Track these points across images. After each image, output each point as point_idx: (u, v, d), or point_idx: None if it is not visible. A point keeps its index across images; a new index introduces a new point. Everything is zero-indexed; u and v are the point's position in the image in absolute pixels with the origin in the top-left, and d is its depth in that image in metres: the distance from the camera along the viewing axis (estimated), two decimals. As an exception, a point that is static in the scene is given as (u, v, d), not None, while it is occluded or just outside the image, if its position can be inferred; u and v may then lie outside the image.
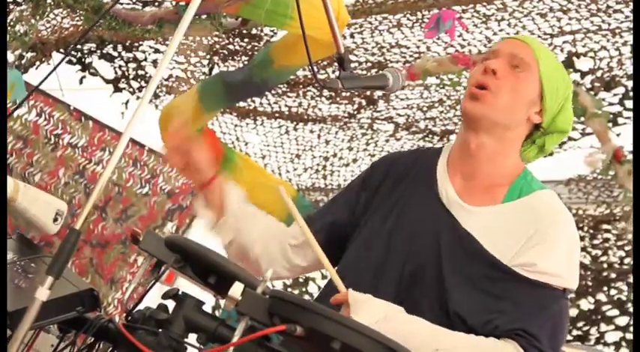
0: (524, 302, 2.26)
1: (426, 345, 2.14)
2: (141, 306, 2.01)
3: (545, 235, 2.32)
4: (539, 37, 5.53)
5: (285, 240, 2.56)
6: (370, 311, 2.15)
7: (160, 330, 1.92)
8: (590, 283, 6.77)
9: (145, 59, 5.99)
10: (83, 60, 5.99)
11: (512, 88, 2.38)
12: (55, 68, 2.46)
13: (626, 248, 6.56)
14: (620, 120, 5.66)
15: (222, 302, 1.91)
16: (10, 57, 4.83)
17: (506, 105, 2.37)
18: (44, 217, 2.25)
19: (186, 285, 2.12)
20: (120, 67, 6.05)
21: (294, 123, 6.48)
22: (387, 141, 6.59)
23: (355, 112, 6.28)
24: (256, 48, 5.58)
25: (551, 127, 2.44)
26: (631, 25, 5.08)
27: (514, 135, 2.41)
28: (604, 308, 6.72)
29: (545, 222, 2.33)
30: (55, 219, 2.27)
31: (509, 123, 2.39)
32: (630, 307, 6.56)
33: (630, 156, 5.02)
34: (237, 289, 1.83)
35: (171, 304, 1.95)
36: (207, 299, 2.10)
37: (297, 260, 2.54)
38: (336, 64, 2.43)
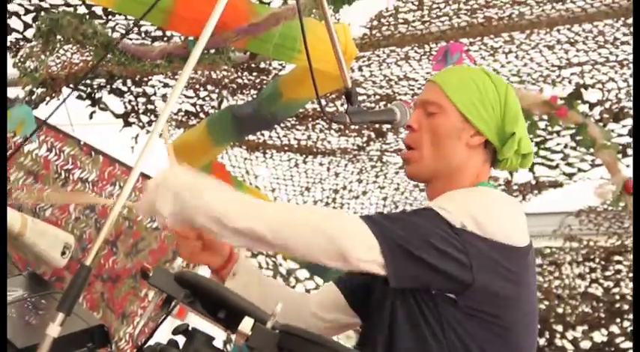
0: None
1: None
2: (152, 342, 2.01)
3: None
4: (546, 69, 5.55)
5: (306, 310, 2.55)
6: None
7: (171, 366, 1.92)
8: (602, 315, 6.74)
9: (155, 94, 6.01)
10: (93, 95, 6.01)
11: (432, 133, 2.41)
12: (63, 101, 2.48)
13: None
14: (629, 151, 5.65)
15: (232, 336, 1.91)
16: (21, 93, 4.85)
17: (434, 152, 2.41)
18: (52, 251, 2.26)
19: (198, 321, 2.12)
20: (129, 101, 6.07)
21: (304, 156, 6.49)
22: (396, 173, 6.59)
23: (364, 145, 6.29)
24: (265, 81, 5.61)
25: (504, 136, 2.42)
26: None
27: (462, 166, 2.42)
28: (617, 340, 6.68)
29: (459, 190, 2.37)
30: (63, 253, 2.28)
31: (448, 162, 2.41)
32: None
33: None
34: (246, 324, 1.84)
35: (181, 339, 1.95)
36: (219, 334, 2.10)
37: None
38: (344, 97, 2.44)
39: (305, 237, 2.18)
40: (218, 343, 2.00)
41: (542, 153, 5.96)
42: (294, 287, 7.39)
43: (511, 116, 2.42)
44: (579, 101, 5.51)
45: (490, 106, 2.41)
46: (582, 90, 5.62)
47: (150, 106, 6.11)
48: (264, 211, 2.20)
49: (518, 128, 2.42)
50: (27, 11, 5.21)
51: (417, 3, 5.10)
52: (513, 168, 2.50)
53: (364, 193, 6.89)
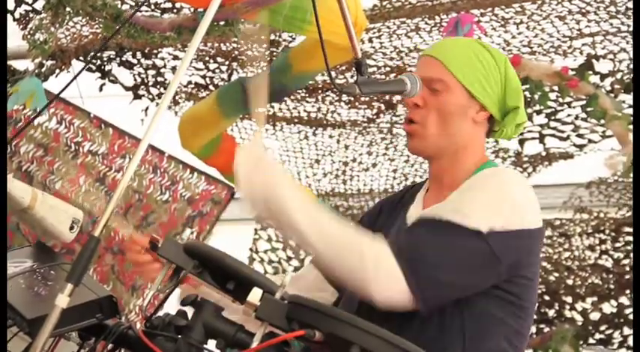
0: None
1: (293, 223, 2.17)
2: (161, 313, 2.02)
3: (462, 188, 2.33)
4: (557, 39, 5.52)
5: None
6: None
7: (180, 336, 1.93)
8: (612, 286, 6.74)
9: (164, 66, 6.00)
10: (103, 67, 6.01)
11: (439, 112, 2.39)
12: (74, 78, 2.47)
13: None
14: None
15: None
16: (30, 65, 4.85)
17: (440, 130, 2.39)
18: (61, 225, 2.26)
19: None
20: (139, 74, 6.06)
21: (314, 128, 6.48)
22: (406, 145, 6.58)
23: (374, 117, 6.28)
24: (275, 53, 5.59)
25: (505, 109, 2.42)
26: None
27: (468, 143, 2.41)
28: (627, 311, 6.68)
29: (473, 185, 2.34)
30: (72, 227, 2.28)
31: (454, 140, 2.40)
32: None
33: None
34: (255, 295, 1.84)
35: (190, 310, 1.96)
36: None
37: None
38: (354, 68, 2.43)
39: (346, 273, 2.20)
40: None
41: (552, 124, 5.95)
42: (303, 259, 7.42)
43: (513, 89, 2.41)
44: (590, 72, 5.48)
45: (492, 81, 2.40)
46: (593, 61, 5.59)
47: (159, 79, 6.10)
48: (328, 238, 2.20)
49: (520, 101, 2.42)
50: (36, -17, 5.21)
51: (427, -26, 5.08)
52: (507, 137, 2.49)
53: (374, 165, 6.88)
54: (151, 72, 6.05)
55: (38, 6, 5.20)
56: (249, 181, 2.20)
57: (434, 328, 2.25)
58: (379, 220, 2.51)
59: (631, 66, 5.61)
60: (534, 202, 2.34)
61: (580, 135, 6.04)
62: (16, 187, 2.24)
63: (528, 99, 5.58)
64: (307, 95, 6.05)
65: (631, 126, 5.20)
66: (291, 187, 2.22)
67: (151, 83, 6.10)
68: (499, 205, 2.26)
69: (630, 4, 5.21)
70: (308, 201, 2.24)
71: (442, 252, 2.21)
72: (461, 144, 2.40)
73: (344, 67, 5.57)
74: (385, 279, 2.17)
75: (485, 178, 2.35)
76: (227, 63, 5.87)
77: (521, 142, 6.15)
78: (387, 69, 5.71)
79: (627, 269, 6.70)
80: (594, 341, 6.74)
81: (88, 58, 5.35)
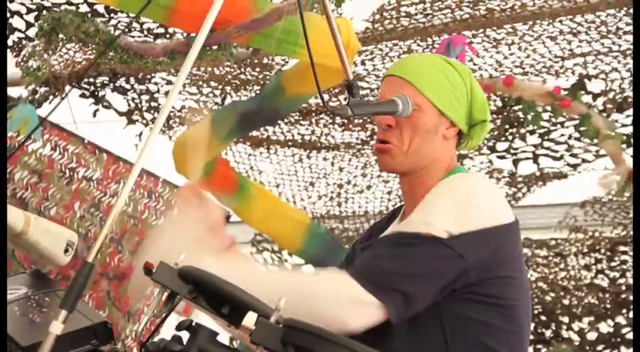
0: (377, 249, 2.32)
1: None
2: (156, 338, 2.01)
3: (426, 198, 2.35)
4: (549, 59, 5.54)
5: None
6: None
7: (175, 362, 1.92)
8: (608, 306, 6.73)
9: (158, 91, 6.01)
10: (96, 93, 6.01)
11: (412, 132, 2.41)
12: (63, 98, 2.47)
13: (645, 269, 6.52)
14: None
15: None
16: (24, 92, 4.85)
17: (414, 149, 2.42)
18: (55, 248, 2.26)
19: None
20: (133, 99, 6.07)
21: (308, 151, 6.48)
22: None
23: (368, 139, 6.28)
24: (268, 77, 5.60)
25: (472, 122, 2.46)
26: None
27: (438, 157, 2.44)
28: (623, 331, 6.67)
29: (432, 193, 2.36)
30: (66, 250, 2.28)
31: (426, 156, 2.43)
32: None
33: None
34: (250, 319, 1.84)
35: (185, 335, 1.95)
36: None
37: None
38: (346, 90, 2.44)
39: (315, 316, 2.10)
40: (224, 339, 2.01)
41: (546, 144, 5.96)
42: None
43: (479, 102, 2.45)
44: (583, 92, 5.50)
45: (460, 96, 2.44)
46: (585, 80, 5.61)
47: (153, 104, 6.11)
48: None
49: (487, 115, 2.46)
50: (29, 10, 5.21)
51: (418, -4, 5.09)
52: (472, 148, 2.53)
53: (368, 187, 6.88)
54: (145, 97, 6.05)
55: (31, 33, 5.21)
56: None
57: (418, 338, 2.28)
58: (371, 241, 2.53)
59: (623, 85, 5.63)
60: (496, 199, 2.37)
61: (574, 155, 6.06)
62: (9, 212, 2.24)
63: (521, 120, 5.60)
64: (301, 118, 6.06)
65: (624, 146, 5.21)
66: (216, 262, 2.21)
67: (144, 108, 6.10)
68: (455, 207, 2.29)
69: (621, 24, 5.24)
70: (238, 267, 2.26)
71: (403, 264, 2.24)
72: (432, 159, 2.43)
73: (337, 90, 5.58)
74: (354, 309, 2.21)
75: (444, 184, 2.38)
76: (220, 87, 5.88)
77: (515, 163, 6.16)
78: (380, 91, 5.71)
79: (623, 288, 6.70)
80: (591, 361, 6.73)
81: (79, 81, 5.35)
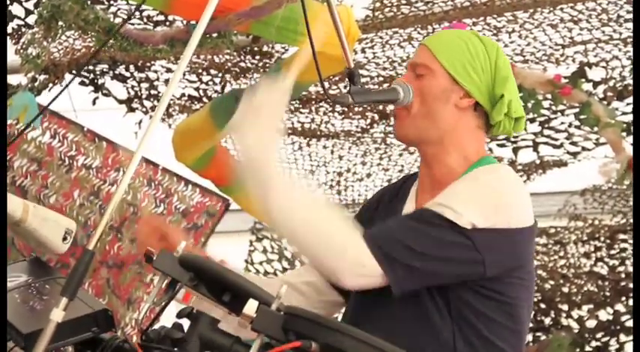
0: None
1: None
2: (157, 326, 2.01)
3: (456, 185, 2.34)
4: (550, 47, 5.54)
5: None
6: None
7: (176, 349, 1.92)
8: (608, 293, 6.74)
9: (158, 79, 6.00)
10: (96, 81, 6.00)
11: (420, 96, 2.40)
12: (65, 87, 2.47)
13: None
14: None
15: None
16: (23, 80, 4.84)
17: (422, 114, 2.39)
18: (53, 237, 2.26)
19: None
20: (132, 87, 6.06)
21: (307, 139, 6.48)
22: (400, 155, 6.59)
23: (368, 127, 6.28)
24: (268, 65, 5.59)
25: (494, 99, 2.41)
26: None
27: (453, 130, 2.41)
28: (623, 318, 6.68)
29: (463, 180, 2.36)
30: (65, 238, 2.27)
31: (437, 125, 2.40)
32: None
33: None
34: (251, 306, 1.84)
35: (186, 323, 1.96)
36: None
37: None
38: (347, 78, 2.43)
39: (312, 250, 2.27)
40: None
41: (546, 132, 5.96)
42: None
43: (500, 77, 2.41)
44: (583, 80, 5.49)
45: (480, 68, 2.40)
46: (586, 68, 5.61)
47: (153, 91, 6.10)
48: (293, 214, 2.26)
49: (507, 90, 2.40)
50: (28, -3, 5.21)
51: (419, -17, 5.09)
52: (507, 133, 2.48)
53: (368, 175, 6.88)
54: (145, 85, 6.04)
55: (30, 20, 5.20)
56: (243, 129, 2.34)
57: (423, 323, 2.28)
58: (380, 208, 2.53)
59: (623, 73, 5.62)
60: (525, 201, 2.35)
61: (574, 143, 6.05)
62: (8, 201, 2.24)
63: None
64: (301, 106, 6.05)
65: (624, 134, 5.21)
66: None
67: (144, 96, 6.09)
68: (487, 202, 2.27)
69: (622, 12, 5.23)
70: (290, 178, 2.33)
71: (416, 239, 2.24)
72: (443, 129, 2.40)
73: (337, 78, 5.57)
74: (354, 269, 2.23)
75: (477, 174, 2.36)
76: (220, 75, 5.87)
77: (515, 151, 6.16)
78: (380, 79, 5.71)
79: (623, 276, 6.70)
80: (590, 349, 6.73)
81: (79, 69, 5.34)
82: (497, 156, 6.40)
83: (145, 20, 5.21)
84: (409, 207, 2.44)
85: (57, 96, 2.52)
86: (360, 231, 2.28)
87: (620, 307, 6.70)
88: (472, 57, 2.40)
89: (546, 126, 5.93)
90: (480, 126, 2.44)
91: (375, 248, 2.23)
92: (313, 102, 5.99)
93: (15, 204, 2.23)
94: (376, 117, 6.16)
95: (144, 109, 6.14)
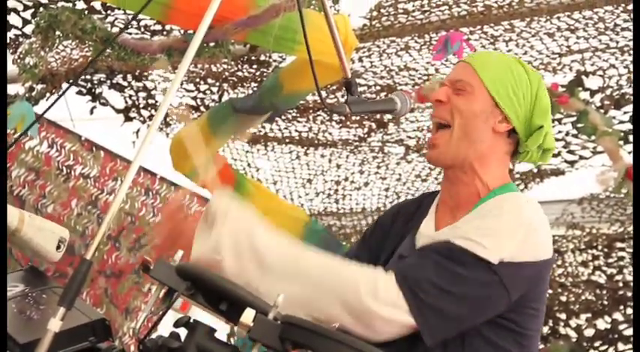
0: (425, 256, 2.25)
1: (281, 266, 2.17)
2: (154, 335, 2.01)
3: (476, 212, 2.30)
4: (547, 56, 5.54)
5: None
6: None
7: (173, 358, 1.92)
8: (606, 302, 6.73)
9: (155, 88, 6.01)
10: (93, 90, 6.01)
11: (460, 113, 2.35)
12: (60, 95, 2.47)
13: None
14: (631, 137, 5.64)
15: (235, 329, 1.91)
16: (21, 89, 4.85)
17: (462, 134, 2.35)
18: (48, 245, 2.27)
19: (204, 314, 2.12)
20: (130, 96, 6.07)
21: (305, 148, 6.48)
22: (397, 163, 6.59)
23: (366, 136, 6.28)
24: (265, 74, 5.60)
25: (530, 128, 2.38)
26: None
27: (486, 154, 2.37)
28: (621, 327, 6.67)
29: (489, 211, 2.30)
30: (58, 247, 2.28)
31: (475, 147, 2.36)
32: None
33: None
34: (248, 315, 1.84)
35: (183, 332, 1.95)
36: (223, 327, 2.10)
37: None
38: (344, 88, 2.43)
39: (338, 309, 2.16)
40: (222, 336, 2.01)
41: (543, 141, 5.95)
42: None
43: (541, 108, 2.38)
44: (580, 88, 5.49)
45: (521, 95, 2.37)
46: (583, 77, 5.61)
47: (150, 101, 6.10)
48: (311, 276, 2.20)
49: (546, 122, 2.38)
50: (26, 7, 5.21)
51: (416, -7, 5.09)
52: (532, 161, 2.45)
53: (366, 184, 6.87)
54: (142, 94, 6.05)
55: (28, 30, 5.20)
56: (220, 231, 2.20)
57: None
58: (395, 225, 2.49)
59: (620, 82, 5.62)
60: (548, 232, 2.32)
61: (571, 152, 6.05)
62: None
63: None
64: (298, 115, 6.05)
65: (621, 142, 5.21)
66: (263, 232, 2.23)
67: (141, 105, 6.10)
68: (513, 235, 2.23)
69: (619, 21, 5.23)
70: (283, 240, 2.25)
71: (451, 282, 2.18)
72: (480, 152, 2.36)
73: (335, 87, 5.57)
74: (387, 311, 2.15)
75: (500, 204, 2.31)
76: (217, 84, 5.88)
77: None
78: (378, 88, 5.71)
79: (620, 284, 6.70)
80: (589, 358, 6.73)
81: (76, 78, 5.34)
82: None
83: (143, 29, 5.21)
84: (429, 224, 2.40)
85: (53, 104, 2.52)
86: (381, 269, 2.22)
87: (618, 316, 6.69)
88: (515, 83, 2.37)
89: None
90: (508, 153, 2.42)
91: (407, 292, 2.16)
92: (311, 111, 6.00)
93: (11, 214, 2.23)
94: (374, 126, 6.17)
95: (141, 118, 6.15)
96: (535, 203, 2.36)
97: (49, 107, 2.53)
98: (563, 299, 6.80)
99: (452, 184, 2.41)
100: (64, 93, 2.62)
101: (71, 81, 5.11)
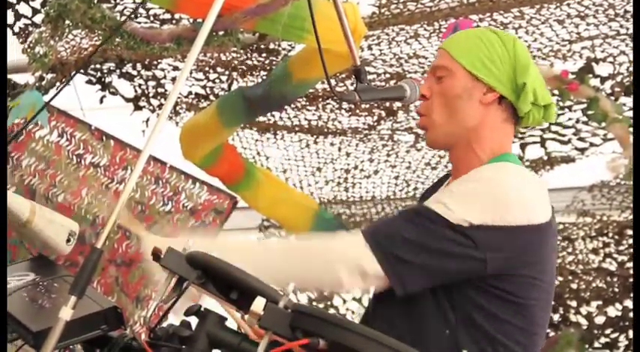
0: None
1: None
2: (165, 324, 2.02)
3: (459, 182, 2.35)
4: (557, 43, 5.52)
5: None
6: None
7: (184, 347, 1.93)
8: (616, 289, 6.73)
9: (165, 77, 6.01)
10: (103, 79, 6.01)
11: (442, 98, 2.40)
12: (67, 82, 2.48)
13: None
14: (641, 124, 5.62)
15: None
16: (31, 79, 4.85)
17: (446, 116, 2.40)
18: (58, 238, 2.28)
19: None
20: (139, 85, 6.07)
21: (315, 136, 6.47)
22: (407, 151, 6.58)
23: (375, 124, 6.27)
24: (274, 62, 5.59)
25: (518, 89, 2.39)
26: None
27: (479, 127, 2.40)
28: (632, 314, 6.67)
29: (468, 177, 2.35)
30: (68, 240, 2.29)
31: (464, 125, 2.40)
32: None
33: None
34: (259, 304, 1.84)
35: (194, 320, 1.96)
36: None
37: None
38: (353, 76, 2.43)
39: (311, 279, 2.29)
40: (232, 324, 2.01)
41: (553, 128, 5.94)
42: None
43: (521, 66, 2.40)
44: (590, 75, 5.48)
45: (498, 60, 2.39)
46: (593, 64, 5.59)
47: (160, 90, 6.10)
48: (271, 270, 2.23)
49: (529, 78, 2.39)
50: (35, -4, 5.22)
51: (425, -20, 5.08)
52: (537, 123, 2.46)
53: (376, 172, 6.87)
54: (152, 83, 6.05)
55: (37, 19, 5.21)
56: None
57: (428, 325, 2.28)
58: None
59: (631, 69, 5.60)
60: (532, 198, 2.31)
61: (581, 139, 6.04)
62: (15, 202, 2.25)
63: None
64: (308, 103, 6.05)
65: (631, 129, 5.20)
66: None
67: (151, 94, 6.10)
68: (484, 199, 2.26)
69: (629, 7, 5.21)
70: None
71: (416, 233, 2.24)
72: (471, 127, 2.39)
73: (344, 75, 5.57)
74: (354, 275, 2.23)
75: (481, 171, 2.35)
76: (227, 73, 5.88)
77: (523, 147, 6.15)
78: (387, 76, 5.71)
79: (631, 272, 6.69)
80: (600, 345, 6.72)
81: (83, 66, 5.34)
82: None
83: (152, 18, 5.21)
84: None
85: (59, 91, 2.53)
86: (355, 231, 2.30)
87: (628, 303, 6.68)
88: (488, 50, 2.40)
89: (554, 122, 5.92)
90: (507, 120, 2.43)
91: (375, 246, 2.23)
92: (320, 99, 5.99)
93: (23, 206, 2.24)
94: (383, 114, 6.16)
95: (151, 107, 6.15)
96: (520, 170, 2.39)
97: (56, 94, 2.54)
98: (574, 286, 6.79)
99: (455, 163, 2.46)
100: (70, 79, 2.63)
101: (79, 68, 5.12)
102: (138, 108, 6.14)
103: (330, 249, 2.28)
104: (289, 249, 2.36)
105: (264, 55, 5.61)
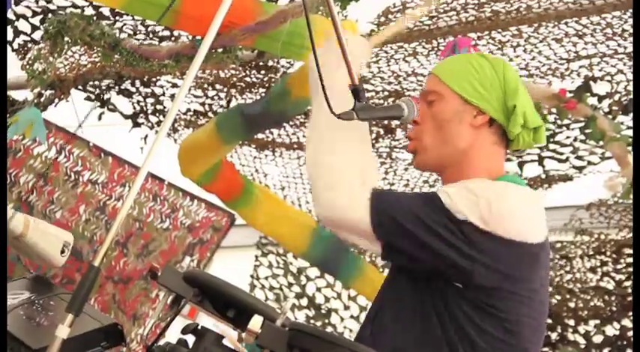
0: None
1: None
2: (162, 341, 2.01)
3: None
4: (555, 62, 5.53)
5: None
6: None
7: (181, 365, 1.92)
8: (614, 308, 6.72)
9: (163, 94, 6.01)
10: (101, 96, 6.02)
11: (433, 122, 2.43)
12: (62, 98, 2.48)
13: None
14: (639, 143, 5.63)
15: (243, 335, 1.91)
16: (29, 95, 4.86)
17: (437, 140, 2.43)
18: (52, 250, 2.28)
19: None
20: (138, 102, 6.07)
21: (313, 154, 6.47)
22: (405, 169, 6.58)
23: (373, 141, 6.28)
24: (273, 80, 5.60)
25: (508, 112, 2.42)
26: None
27: (469, 150, 2.42)
28: (630, 333, 6.65)
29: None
30: (63, 251, 2.29)
31: (454, 147, 2.42)
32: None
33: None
34: (256, 322, 1.84)
35: (191, 338, 1.96)
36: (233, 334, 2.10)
37: None
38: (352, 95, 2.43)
39: (320, 188, 2.33)
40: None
41: (551, 146, 5.95)
42: (304, 285, 7.40)
43: (510, 89, 2.42)
44: (588, 94, 5.48)
45: (488, 83, 2.42)
46: (591, 82, 5.60)
47: (158, 107, 6.11)
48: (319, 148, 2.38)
49: (518, 101, 2.41)
50: (34, 13, 5.22)
51: (423, -2, 5.08)
52: (528, 146, 2.47)
53: (374, 190, 6.86)
54: (150, 100, 6.06)
55: (37, 36, 5.22)
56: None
57: (424, 330, 2.28)
58: None
59: (629, 87, 5.61)
60: (530, 216, 2.32)
61: (579, 157, 6.04)
62: (10, 216, 2.25)
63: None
64: (306, 120, 6.04)
65: (629, 148, 5.20)
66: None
67: (150, 111, 6.11)
68: (482, 205, 2.26)
69: (627, 26, 5.23)
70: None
71: (417, 210, 2.26)
72: (461, 150, 2.41)
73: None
74: (351, 201, 2.28)
75: (485, 182, 2.36)
76: (225, 90, 5.89)
77: (521, 165, 6.16)
78: (386, 93, 5.71)
79: (629, 291, 6.68)
80: (598, 364, 6.71)
81: (81, 84, 5.35)
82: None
83: (151, 35, 5.22)
84: None
85: (57, 103, 2.53)
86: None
87: (626, 322, 6.67)
88: (478, 74, 2.42)
89: (552, 140, 5.92)
90: (497, 143, 2.45)
91: (373, 197, 2.28)
92: (319, 116, 5.98)
93: (17, 220, 2.24)
94: (381, 131, 6.17)
95: (149, 124, 6.15)
96: (520, 188, 2.40)
97: (55, 105, 2.53)
98: (572, 305, 6.79)
99: (445, 183, 2.46)
100: (63, 96, 2.62)
101: (78, 86, 5.12)
102: (136, 125, 6.14)
103: (344, 181, 2.31)
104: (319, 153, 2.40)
105: (262, 72, 5.62)
